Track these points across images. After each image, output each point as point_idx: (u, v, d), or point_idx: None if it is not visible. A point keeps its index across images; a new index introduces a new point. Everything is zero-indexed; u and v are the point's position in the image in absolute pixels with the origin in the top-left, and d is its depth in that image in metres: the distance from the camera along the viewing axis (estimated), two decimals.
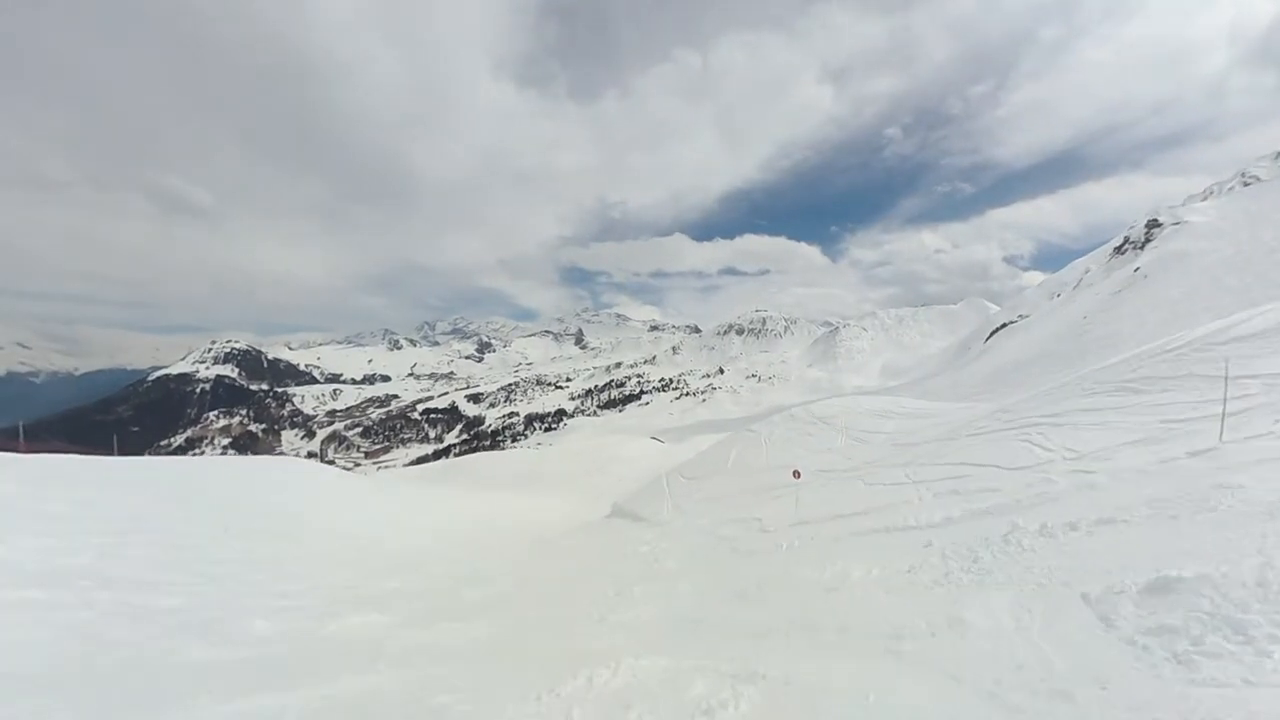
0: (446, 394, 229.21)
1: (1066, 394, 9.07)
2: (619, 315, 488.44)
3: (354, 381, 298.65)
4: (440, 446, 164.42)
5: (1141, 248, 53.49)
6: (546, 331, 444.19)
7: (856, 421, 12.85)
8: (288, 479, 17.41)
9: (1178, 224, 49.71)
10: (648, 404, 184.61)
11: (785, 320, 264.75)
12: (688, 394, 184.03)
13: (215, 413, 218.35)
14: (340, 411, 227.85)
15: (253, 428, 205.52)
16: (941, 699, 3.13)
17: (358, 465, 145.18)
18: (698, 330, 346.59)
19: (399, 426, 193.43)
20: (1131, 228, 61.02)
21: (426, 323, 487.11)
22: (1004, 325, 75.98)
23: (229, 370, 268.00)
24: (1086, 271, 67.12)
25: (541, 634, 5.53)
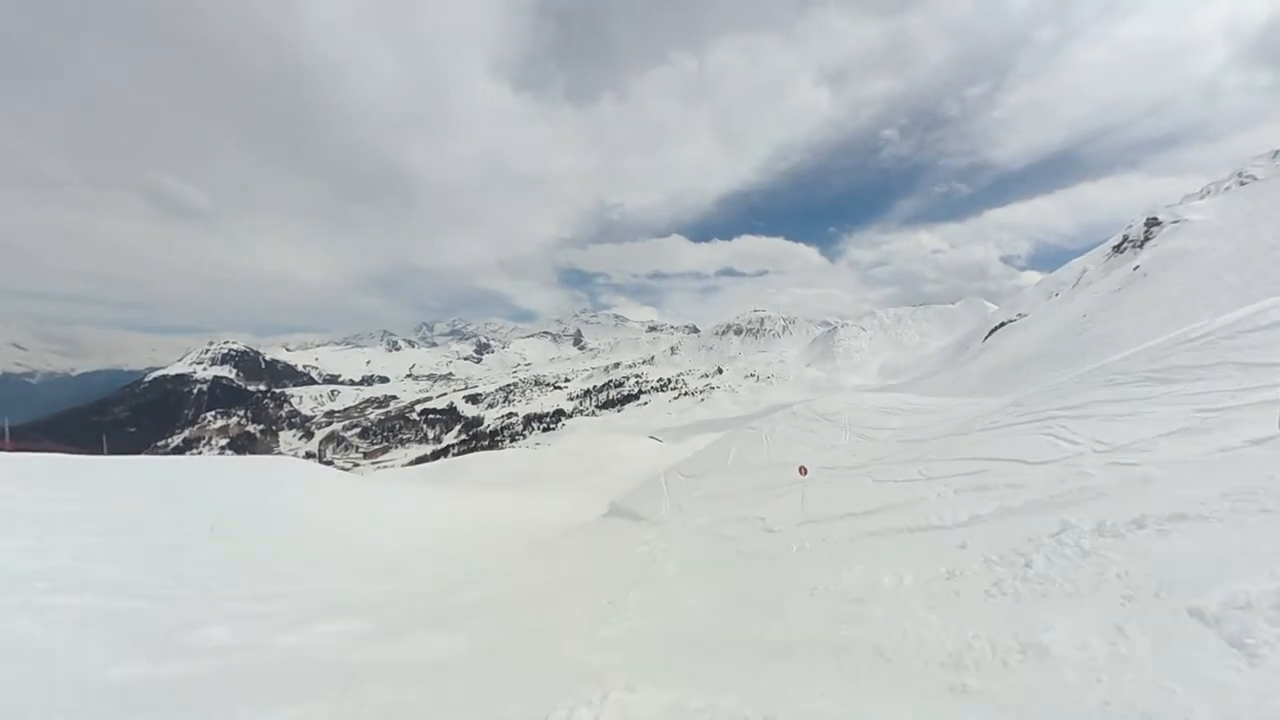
0: (445, 395, 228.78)
1: (1085, 386, 8.73)
2: (617, 316, 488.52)
3: (352, 382, 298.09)
4: (439, 447, 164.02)
5: (1141, 246, 53.43)
6: (545, 332, 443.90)
7: (860, 418, 12.53)
8: (282, 479, 17.18)
9: (1177, 222, 49.64)
10: (646, 404, 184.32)
11: (783, 320, 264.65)
12: (686, 394, 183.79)
13: (213, 413, 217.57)
14: (338, 412, 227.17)
15: (250, 428, 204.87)
16: None
17: (356, 466, 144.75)
18: (696, 330, 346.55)
19: (397, 427, 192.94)
20: (1130, 226, 60.96)
21: (425, 324, 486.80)
22: (1003, 324, 75.92)
23: (227, 371, 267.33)
24: (1084, 271, 67.06)
25: (523, 651, 5.06)
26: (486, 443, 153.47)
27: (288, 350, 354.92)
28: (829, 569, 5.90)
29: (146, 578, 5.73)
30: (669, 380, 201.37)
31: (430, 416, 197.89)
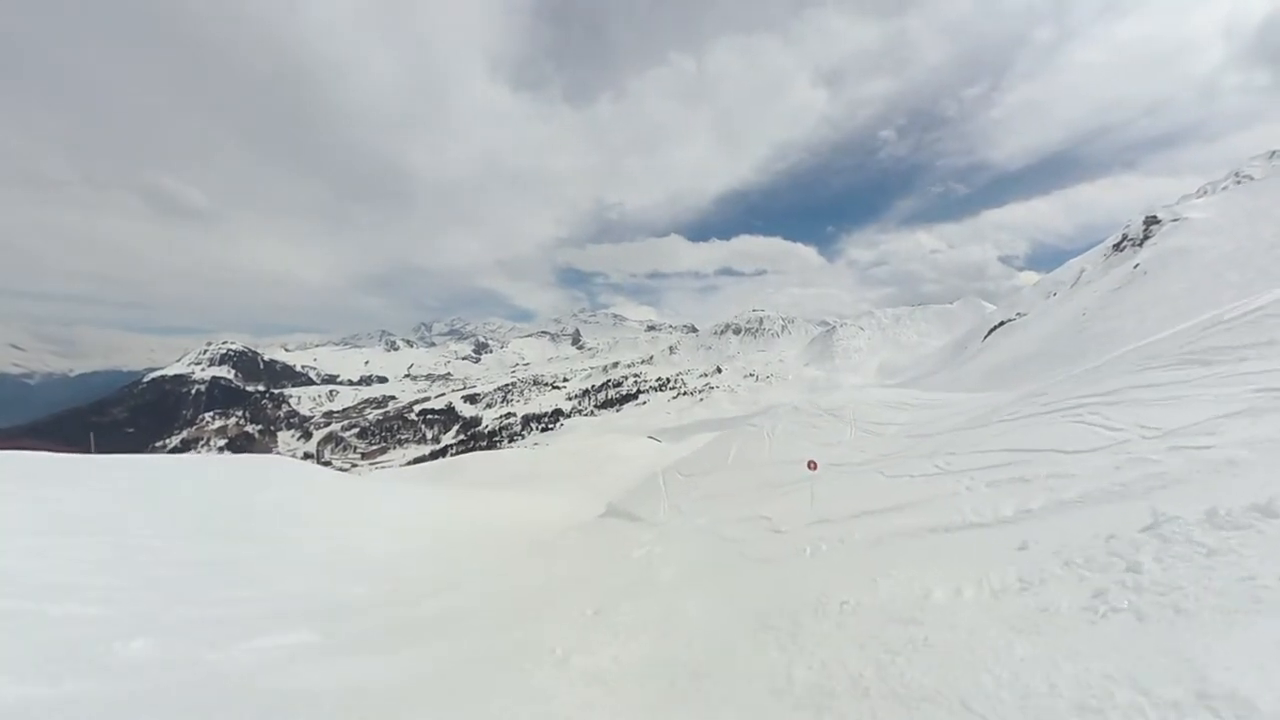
0: (443, 395, 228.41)
1: (1111, 373, 8.38)
2: (616, 316, 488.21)
3: (351, 382, 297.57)
4: (437, 447, 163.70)
5: (1140, 244, 53.30)
6: (543, 332, 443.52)
7: (865, 413, 12.23)
8: (274, 478, 16.91)
9: (1177, 220, 49.51)
10: (645, 404, 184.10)
11: (782, 320, 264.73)
12: (685, 394, 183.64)
13: (211, 414, 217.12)
14: (337, 412, 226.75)
15: (249, 429, 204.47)
16: None
17: (354, 466, 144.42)
18: (695, 330, 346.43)
19: (396, 427, 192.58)
20: (1129, 225, 60.84)
21: (423, 324, 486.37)
22: (1002, 323, 75.75)
23: (225, 371, 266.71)
24: (1082, 271, 66.93)
25: (479, 682, 4.37)
26: (485, 443, 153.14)
27: (286, 350, 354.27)
28: (857, 577, 5.18)
29: (107, 579, 5.46)
30: (668, 380, 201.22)
31: (429, 417, 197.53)
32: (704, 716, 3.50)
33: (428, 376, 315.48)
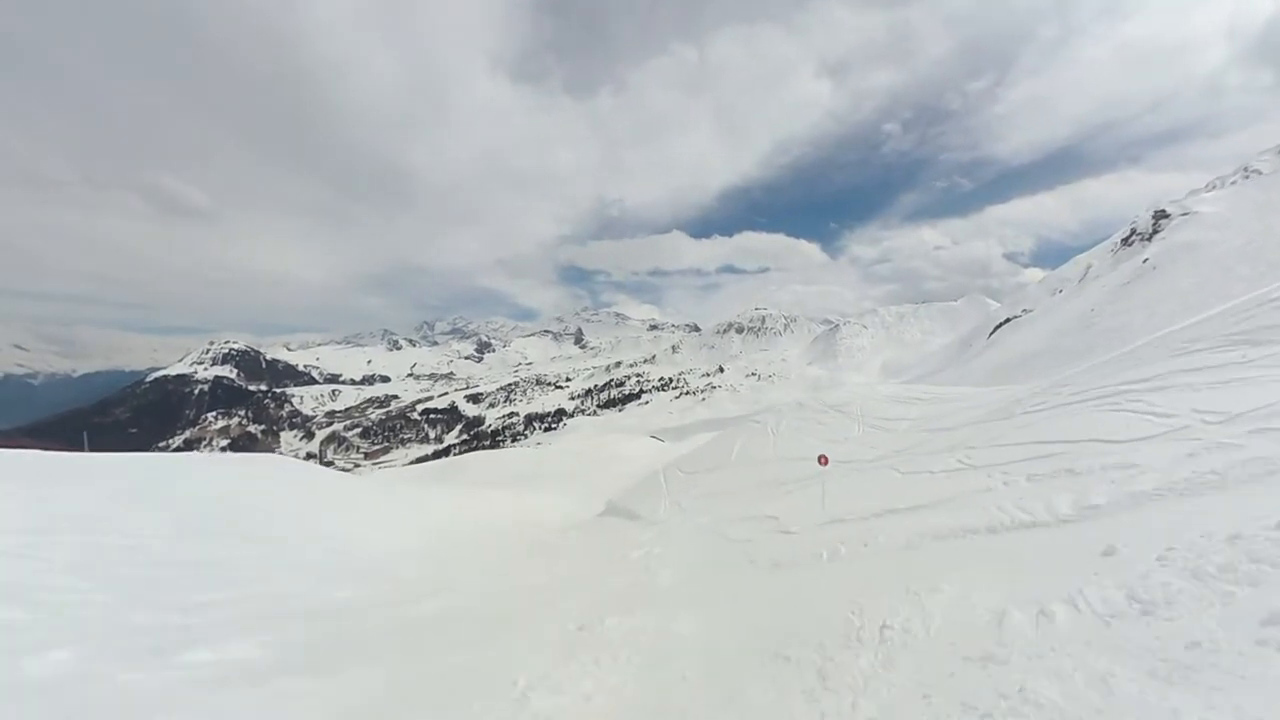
0: (446, 394, 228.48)
1: (1143, 360, 7.94)
2: (618, 314, 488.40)
3: (353, 382, 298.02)
4: (440, 447, 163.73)
5: (1149, 239, 52.71)
6: (546, 331, 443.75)
7: (874, 409, 11.76)
8: (271, 478, 16.60)
9: (1186, 215, 48.92)
10: (647, 403, 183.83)
11: (785, 318, 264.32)
12: (687, 393, 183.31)
13: (214, 414, 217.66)
14: (339, 412, 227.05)
15: (251, 429, 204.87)
16: None
17: (357, 466, 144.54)
18: (697, 329, 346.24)
19: (398, 427, 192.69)
20: (1137, 219, 60.26)
21: (426, 323, 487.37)
22: (1007, 320, 75.22)
23: (227, 371, 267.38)
24: (1089, 267, 66.36)
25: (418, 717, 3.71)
26: (488, 442, 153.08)
27: (289, 350, 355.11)
28: (892, 589, 4.35)
29: (59, 582, 5.08)
30: (670, 379, 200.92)
31: (431, 416, 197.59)
32: None
33: (430, 376, 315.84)
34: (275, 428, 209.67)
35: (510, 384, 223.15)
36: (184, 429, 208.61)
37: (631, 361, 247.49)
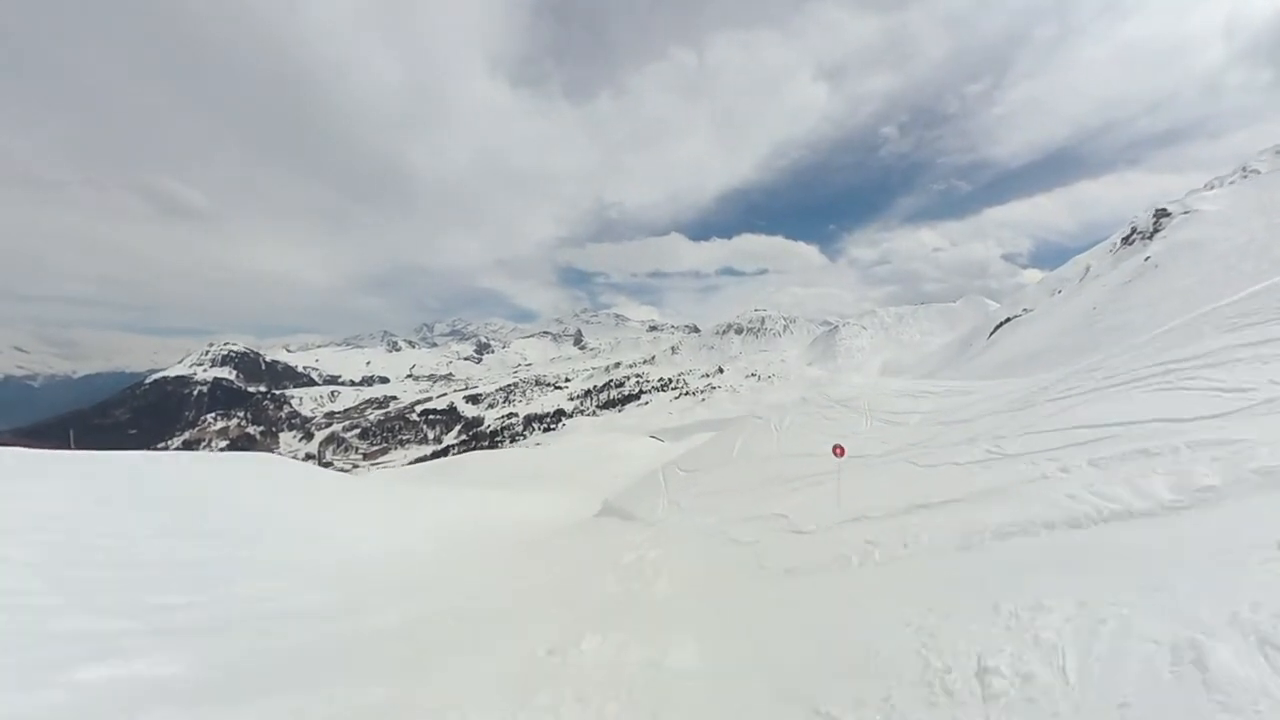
0: (445, 395, 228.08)
1: (1185, 339, 7.47)
2: (617, 316, 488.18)
3: (352, 383, 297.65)
4: (439, 447, 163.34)
5: (1150, 237, 52.44)
6: (545, 332, 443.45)
7: (881, 403, 11.36)
8: (261, 477, 16.30)
9: (1188, 213, 48.69)
10: (647, 404, 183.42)
11: (784, 319, 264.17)
12: (687, 393, 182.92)
13: (213, 415, 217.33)
14: (338, 413, 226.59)
15: (250, 430, 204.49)
16: None
17: (356, 467, 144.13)
18: (696, 330, 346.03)
19: (397, 428, 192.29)
20: (1137, 218, 60.01)
21: (425, 324, 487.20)
22: (1007, 319, 74.94)
23: (227, 372, 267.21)
24: (1088, 267, 66.16)
25: None
26: (487, 443, 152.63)
27: (288, 351, 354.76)
28: (974, 605, 3.35)
29: (12, 582, 4.75)
30: (670, 380, 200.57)
31: (430, 417, 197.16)
32: None
33: (430, 377, 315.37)
34: (274, 429, 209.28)
35: (509, 385, 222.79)
36: (183, 430, 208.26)
37: (631, 362, 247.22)
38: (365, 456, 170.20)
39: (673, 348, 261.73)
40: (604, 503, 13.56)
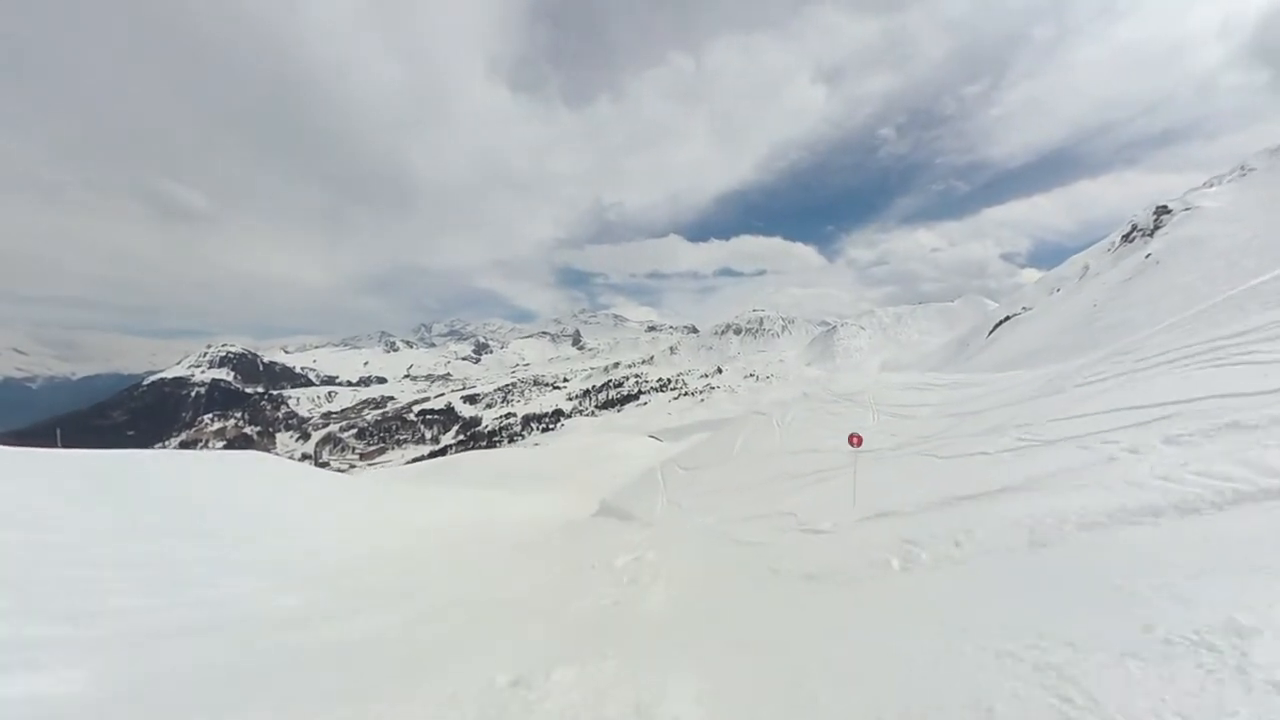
0: (443, 395, 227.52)
1: (1227, 318, 7.21)
2: (616, 316, 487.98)
3: (350, 384, 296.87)
4: (436, 447, 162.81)
5: (1151, 235, 52.23)
6: (544, 333, 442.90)
7: (887, 397, 10.96)
8: (249, 475, 15.92)
9: (1189, 209, 48.46)
10: (646, 404, 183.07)
11: (783, 320, 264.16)
12: (686, 394, 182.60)
13: (210, 415, 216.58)
14: (335, 413, 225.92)
15: (248, 430, 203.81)
16: None
17: (353, 467, 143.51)
18: (695, 330, 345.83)
19: (395, 428, 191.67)
20: (1138, 215, 59.82)
21: (423, 324, 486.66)
22: (1007, 318, 74.74)
23: (225, 374, 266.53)
24: (1086, 267, 66.03)
25: None
26: (485, 443, 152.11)
27: (286, 352, 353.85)
28: (1110, 631, 2.42)
29: None
30: (668, 380, 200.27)
31: (428, 417, 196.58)
32: None
33: (427, 377, 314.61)
34: (271, 429, 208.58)
35: (508, 385, 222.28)
36: (181, 431, 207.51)
37: (630, 362, 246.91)
38: (362, 457, 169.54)
39: (671, 348, 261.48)
40: (601, 502, 13.22)
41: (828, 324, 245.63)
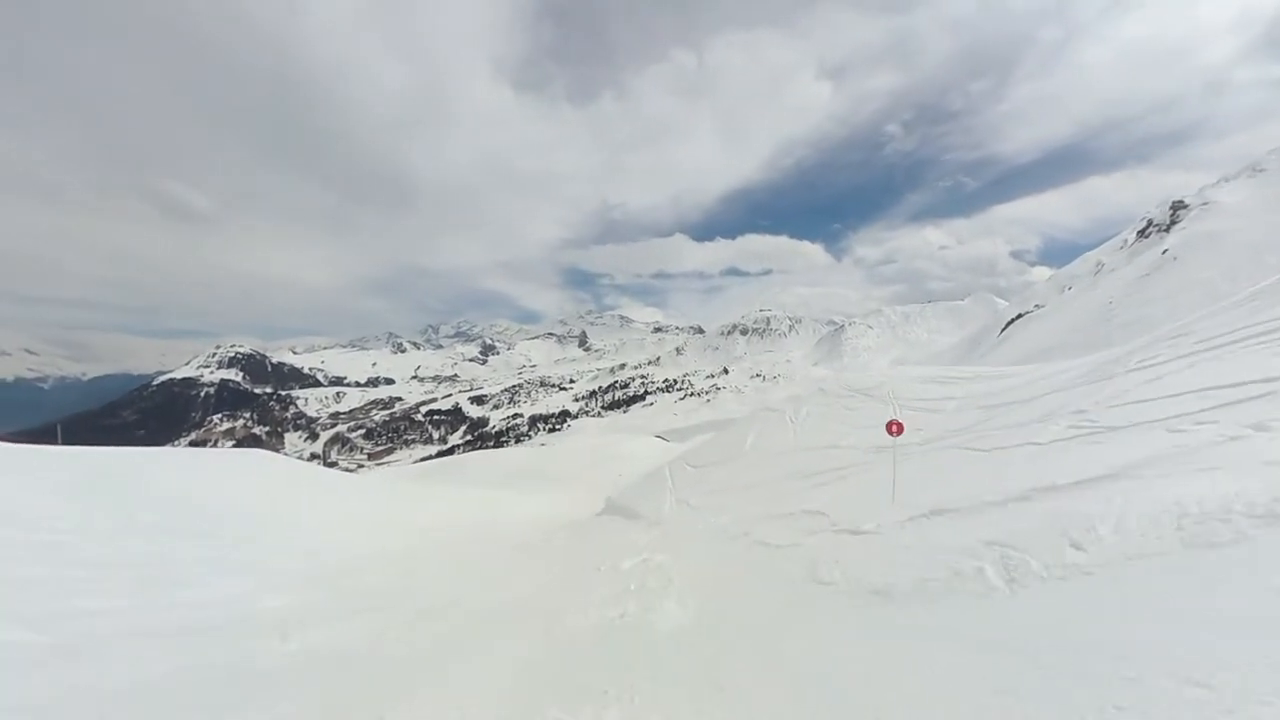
0: (450, 396, 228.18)
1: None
2: (622, 317, 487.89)
3: (358, 384, 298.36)
4: (444, 448, 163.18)
5: (1167, 230, 51.37)
6: (550, 334, 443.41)
7: (908, 391, 10.50)
8: (251, 474, 15.72)
9: (1206, 204, 47.59)
10: (652, 404, 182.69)
11: (789, 319, 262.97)
12: (692, 394, 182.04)
13: (219, 416, 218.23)
14: (343, 414, 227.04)
15: (256, 430, 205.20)
16: None
17: (361, 466, 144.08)
18: (701, 331, 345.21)
19: (402, 428, 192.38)
20: (1152, 212, 58.89)
21: (430, 326, 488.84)
22: (1019, 316, 73.84)
23: (233, 374, 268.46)
24: (1099, 264, 65.07)
25: None
26: (492, 443, 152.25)
27: (294, 353, 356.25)
28: None
29: None
30: (675, 381, 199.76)
31: (435, 417, 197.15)
32: None
33: (435, 378, 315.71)
34: (280, 429, 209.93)
35: (514, 386, 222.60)
36: (190, 431, 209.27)
37: (636, 363, 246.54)
38: (370, 456, 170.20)
39: (677, 349, 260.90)
40: (607, 501, 12.88)
41: (835, 323, 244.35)
